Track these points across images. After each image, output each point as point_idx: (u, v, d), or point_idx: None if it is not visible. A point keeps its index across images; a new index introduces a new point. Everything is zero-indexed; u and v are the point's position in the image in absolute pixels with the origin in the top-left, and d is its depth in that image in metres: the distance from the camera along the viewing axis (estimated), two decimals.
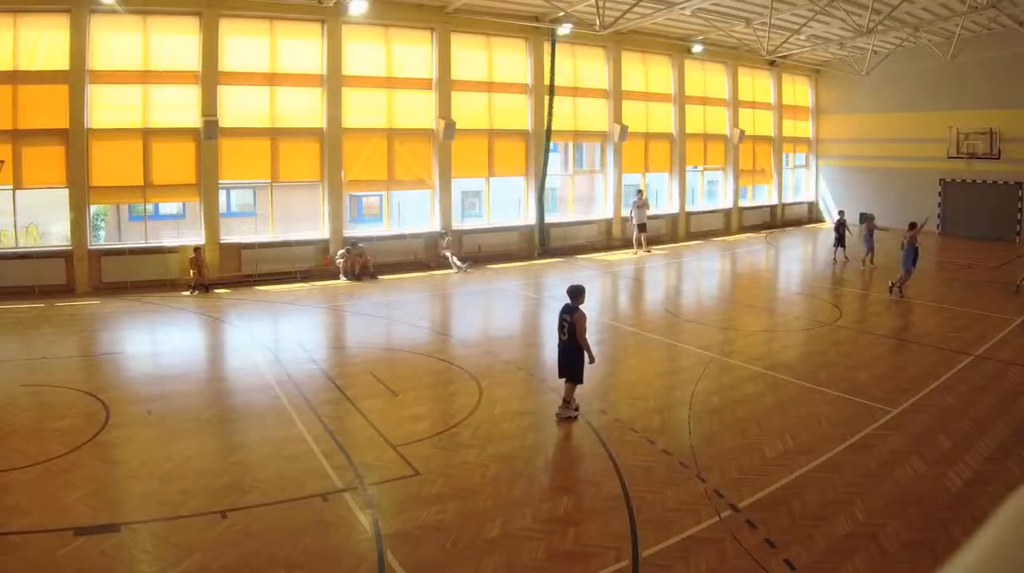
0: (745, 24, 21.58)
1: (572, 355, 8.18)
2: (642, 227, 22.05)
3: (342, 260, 17.63)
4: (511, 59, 21.05)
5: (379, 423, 8.27)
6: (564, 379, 8.33)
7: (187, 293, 15.76)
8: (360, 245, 18.04)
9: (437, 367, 10.78)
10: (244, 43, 17.10)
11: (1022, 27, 21.72)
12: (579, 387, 8.44)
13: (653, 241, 23.62)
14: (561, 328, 8.25)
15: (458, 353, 11.51)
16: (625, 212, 23.36)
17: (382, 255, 18.68)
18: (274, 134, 17.67)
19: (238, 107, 17.14)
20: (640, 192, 22.54)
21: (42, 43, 15.15)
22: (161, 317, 14.02)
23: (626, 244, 23.33)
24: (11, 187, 15.12)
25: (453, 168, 19.99)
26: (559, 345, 8.35)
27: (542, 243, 21.48)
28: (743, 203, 27.74)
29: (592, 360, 8.23)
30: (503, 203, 22.54)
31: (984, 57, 23.11)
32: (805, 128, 30.15)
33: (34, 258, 15.43)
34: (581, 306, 8.29)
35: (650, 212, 22.70)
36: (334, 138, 18.19)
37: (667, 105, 24.82)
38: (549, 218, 22.05)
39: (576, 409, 8.39)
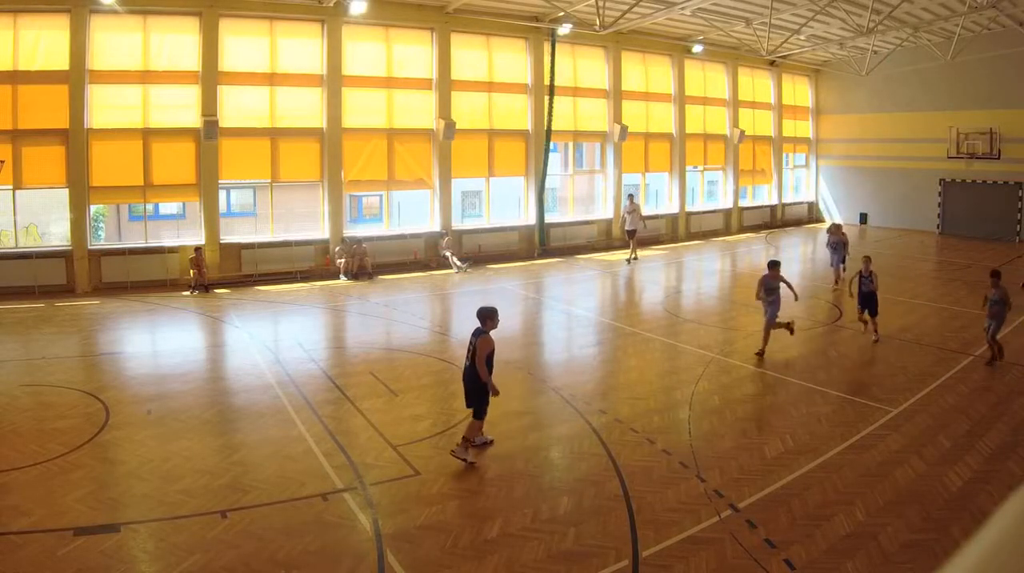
0: (745, 24, 21.58)
1: (475, 383, 7.15)
2: (632, 233, 20.65)
3: (341, 259, 17.63)
4: (511, 59, 21.05)
5: (379, 423, 8.27)
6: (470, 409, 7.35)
7: (187, 293, 15.76)
8: (364, 245, 18.06)
9: (437, 367, 10.77)
10: (244, 43, 17.10)
11: (1022, 27, 21.71)
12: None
13: (652, 242, 23.63)
14: (469, 352, 7.26)
15: (458, 353, 11.47)
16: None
17: (382, 255, 18.68)
18: (274, 134, 17.67)
19: (238, 107, 17.14)
20: (631, 196, 21.42)
21: (42, 43, 15.15)
22: (161, 317, 14.02)
23: (626, 245, 23.30)
24: (11, 187, 15.12)
25: (453, 168, 19.99)
26: (464, 370, 7.35)
27: (542, 243, 21.48)
28: (743, 203, 27.74)
29: (495, 392, 7.18)
30: (503, 203, 22.53)
31: (984, 57, 23.11)
32: (805, 128, 30.15)
33: (34, 258, 15.43)
34: (491, 331, 7.27)
35: (653, 212, 22.58)
36: (334, 138, 18.19)
37: (667, 105, 24.82)
38: (549, 218, 22.05)
39: (490, 440, 7.51)
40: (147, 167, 16.29)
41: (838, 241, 16.58)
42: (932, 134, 25.40)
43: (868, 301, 11.96)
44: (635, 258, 20.65)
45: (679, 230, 25.20)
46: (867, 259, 12.41)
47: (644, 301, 16.77)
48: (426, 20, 19.10)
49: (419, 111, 19.57)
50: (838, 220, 29.44)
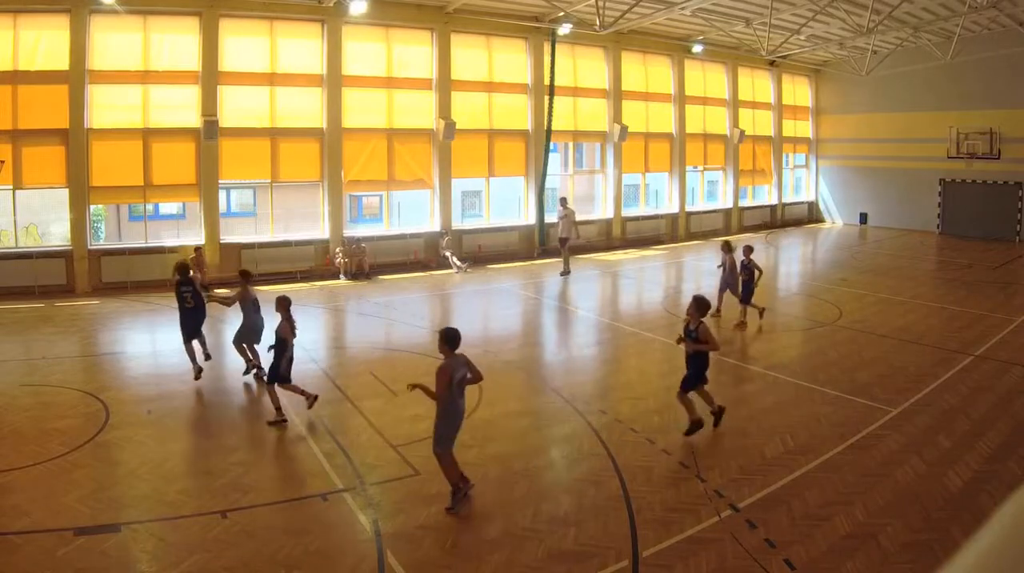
0: (745, 24, 21.58)
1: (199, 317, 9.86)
2: (564, 242, 18.63)
3: (341, 258, 17.63)
4: (511, 59, 21.04)
5: (379, 423, 8.27)
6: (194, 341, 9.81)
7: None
8: (363, 245, 18.06)
9: (437, 367, 10.74)
10: (244, 43, 17.10)
11: (1022, 27, 21.71)
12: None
13: (653, 242, 23.63)
14: (184, 298, 9.76)
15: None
16: (628, 211, 23.23)
17: (382, 255, 18.68)
18: (274, 134, 17.67)
19: (238, 107, 17.14)
20: (563, 200, 19.58)
21: (42, 43, 15.15)
22: (161, 317, 13.99)
23: (627, 244, 23.32)
24: (11, 187, 15.12)
25: (453, 168, 19.99)
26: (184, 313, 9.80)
27: (542, 243, 21.47)
28: (743, 203, 27.74)
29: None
30: (503, 203, 22.54)
31: (984, 57, 23.10)
32: (805, 128, 30.15)
33: (34, 258, 15.43)
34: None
35: (652, 212, 22.42)
36: (334, 138, 18.19)
37: (667, 105, 24.82)
38: (549, 218, 22.03)
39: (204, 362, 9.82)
40: (147, 167, 16.29)
41: (724, 263, 13.25)
42: (932, 134, 25.39)
43: (745, 289, 12.65)
44: (568, 271, 18.27)
45: (679, 230, 25.20)
46: (748, 249, 12.74)
47: (644, 301, 16.76)
48: (426, 20, 19.09)
49: (419, 111, 19.57)
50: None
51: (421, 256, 19.44)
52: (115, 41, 15.84)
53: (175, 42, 16.38)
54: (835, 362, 10.78)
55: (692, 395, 7.79)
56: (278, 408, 8.23)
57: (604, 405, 8.96)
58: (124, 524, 5.91)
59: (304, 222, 19.00)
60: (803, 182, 30.89)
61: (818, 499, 6.38)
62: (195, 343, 9.83)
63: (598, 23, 18.06)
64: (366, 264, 17.91)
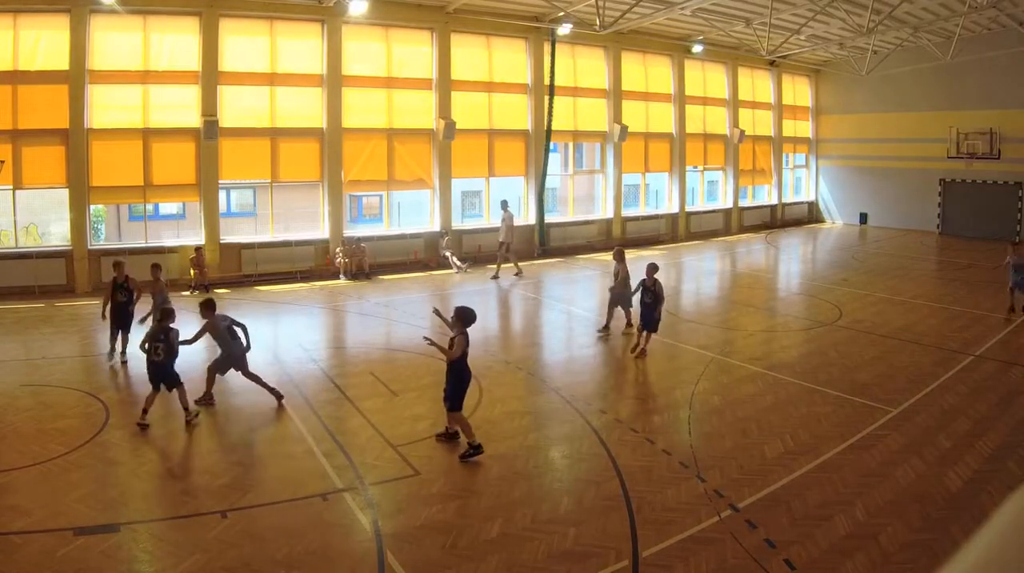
0: (745, 24, 21.58)
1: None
2: (505, 246, 17.91)
3: (341, 258, 17.64)
4: (511, 59, 21.04)
5: (379, 423, 8.27)
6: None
7: (187, 293, 15.73)
8: (363, 245, 18.07)
9: (437, 367, 10.69)
10: (244, 43, 17.10)
11: (1022, 27, 21.71)
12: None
13: (652, 242, 23.59)
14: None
15: None
16: (628, 211, 23.21)
17: (382, 255, 18.68)
18: (274, 134, 17.67)
19: (238, 107, 17.13)
20: (505, 202, 18.50)
21: (42, 43, 15.15)
22: None
23: (627, 245, 23.25)
24: (11, 187, 15.12)
25: (453, 168, 19.99)
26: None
27: (542, 243, 21.48)
28: (743, 203, 27.74)
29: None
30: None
31: (984, 57, 23.11)
32: (805, 128, 30.15)
33: (34, 258, 15.43)
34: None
35: (652, 212, 22.36)
36: (334, 138, 18.19)
37: (667, 105, 24.82)
38: (549, 218, 22.05)
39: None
40: (147, 167, 16.29)
41: (616, 273, 12.15)
42: (932, 134, 25.40)
43: (645, 316, 10.81)
44: (496, 278, 17.67)
45: (679, 230, 25.20)
46: (652, 268, 11.03)
47: None
48: (426, 20, 19.09)
49: (419, 111, 19.56)
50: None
51: (421, 256, 19.44)
52: (115, 41, 15.83)
53: (175, 42, 16.38)
54: (835, 362, 10.79)
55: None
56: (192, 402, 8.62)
57: (604, 405, 8.96)
58: (124, 524, 5.91)
59: (304, 222, 19.00)
60: (803, 182, 30.90)
61: (818, 499, 6.39)
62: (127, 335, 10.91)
63: (598, 23, 18.06)
64: (366, 264, 17.91)
